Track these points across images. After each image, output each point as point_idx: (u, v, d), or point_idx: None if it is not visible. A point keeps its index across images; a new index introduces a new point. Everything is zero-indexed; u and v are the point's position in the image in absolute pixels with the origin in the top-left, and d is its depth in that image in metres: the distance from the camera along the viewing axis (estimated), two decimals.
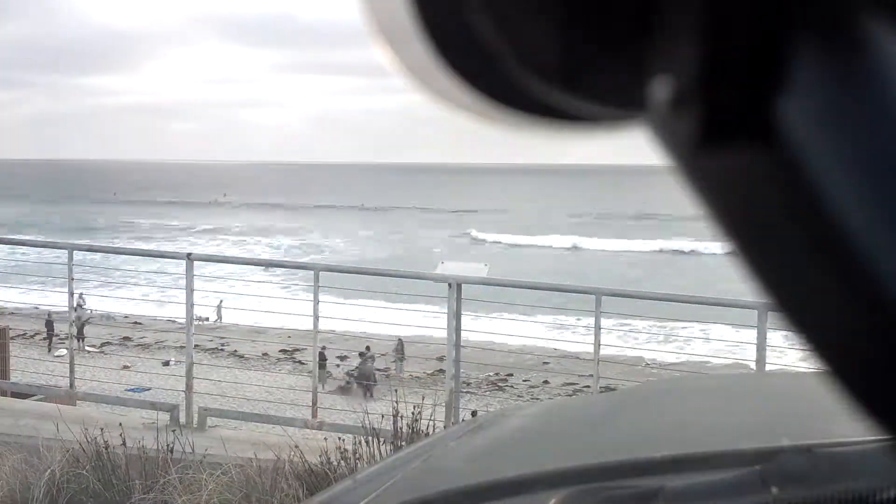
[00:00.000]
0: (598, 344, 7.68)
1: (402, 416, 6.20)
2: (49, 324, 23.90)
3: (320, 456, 5.63)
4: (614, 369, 8.93)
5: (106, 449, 5.71)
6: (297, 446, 5.75)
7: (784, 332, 0.31)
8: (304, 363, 21.36)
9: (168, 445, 5.89)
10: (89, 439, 5.74)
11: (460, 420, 6.99)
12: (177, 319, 12.36)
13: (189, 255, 8.58)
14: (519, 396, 21.36)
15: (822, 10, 0.28)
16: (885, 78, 0.27)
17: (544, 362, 20.33)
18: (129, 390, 11.81)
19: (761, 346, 7.17)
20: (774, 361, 7.31)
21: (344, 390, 19.69)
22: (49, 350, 22.21)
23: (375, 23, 0.37)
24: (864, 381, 0.29)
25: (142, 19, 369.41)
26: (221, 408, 8.70)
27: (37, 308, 15.36)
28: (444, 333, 7.88)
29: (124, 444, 5.81)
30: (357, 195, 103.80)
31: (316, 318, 8.15)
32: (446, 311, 7.74)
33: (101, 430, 5.85)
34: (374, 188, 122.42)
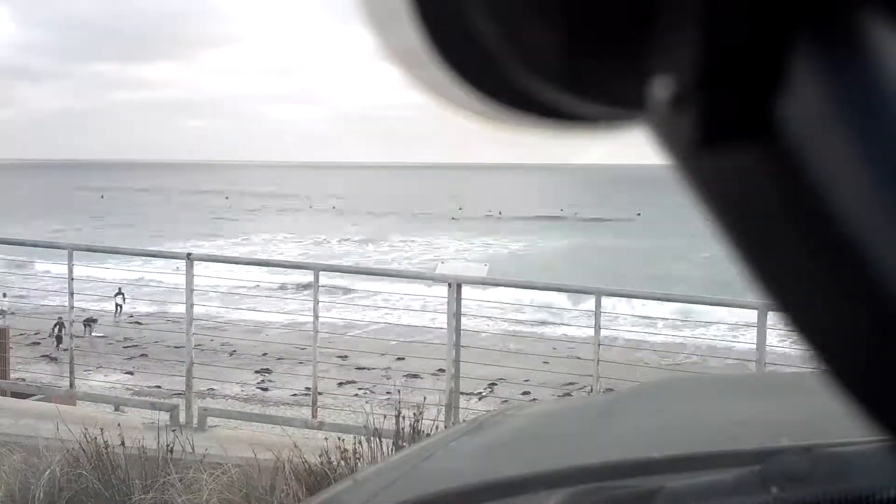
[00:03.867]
0: (598, 344, 7.69)
1: (402, 416, 6.21)
2: (59, 325, 23.95)
3: (320, 456, 5.63)
4: (614, 369, 8.92)
5: (106, 449, 5.70)
6: (296, 446, 5.75)
7: (784, 332, 0.31)
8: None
9: (168, 445, 5.88)
10: (89, 439, 5.73)
11: (460, 420, 6.99)
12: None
13: (189, 255, 8.59)
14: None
15: (822, 10, 0.28)
16: (885, 78, 0.27)
17: (544, 362, 20.31)
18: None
19: (761, 346, 7.18)
20: (774, 361, 7.32)
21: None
22: (57, 348, 22.26)
23: (364, 2, 0.36)
24: (864, 382, 0.29)
25: None
26: (221, 408, 8.70)
27: (36, 308, 15.35)
28: (444, 333, 7.89)
29: (124, 444, 5.80)
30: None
31: (316, 317, 8.16)
32: (446, 311, 7.76)
33: (101, 430, 5.84)
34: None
